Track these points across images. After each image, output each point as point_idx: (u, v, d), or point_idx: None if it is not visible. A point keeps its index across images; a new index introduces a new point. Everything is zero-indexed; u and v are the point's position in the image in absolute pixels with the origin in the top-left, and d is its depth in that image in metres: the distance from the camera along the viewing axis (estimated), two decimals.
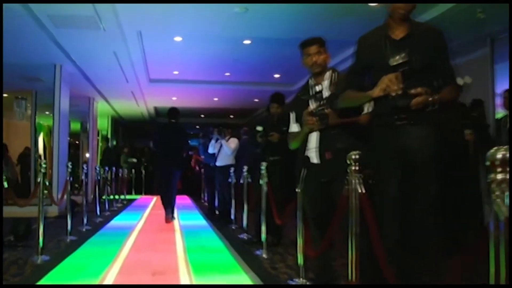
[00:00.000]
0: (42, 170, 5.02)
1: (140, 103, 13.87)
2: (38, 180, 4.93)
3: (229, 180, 7.36)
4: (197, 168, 14.44)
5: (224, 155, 7.94)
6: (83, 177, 8.41)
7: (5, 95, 10.77)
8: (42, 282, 3.72)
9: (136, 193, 15.84)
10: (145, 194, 15.48)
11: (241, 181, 6.56)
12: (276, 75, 11.11)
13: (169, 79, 11.43)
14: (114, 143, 19.47)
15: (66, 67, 9.00)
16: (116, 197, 11.82)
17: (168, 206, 7.93)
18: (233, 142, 7.96)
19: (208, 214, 9.05)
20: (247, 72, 10.69)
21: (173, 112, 8.24)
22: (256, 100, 13.84)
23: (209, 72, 10.73)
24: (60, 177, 8.89)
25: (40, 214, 4.79)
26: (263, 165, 4.98)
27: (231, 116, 18.54)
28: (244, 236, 6.28)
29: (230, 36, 7.75)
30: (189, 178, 15.10)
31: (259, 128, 5.58)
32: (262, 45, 8.41)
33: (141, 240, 6.00)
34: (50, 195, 6.11)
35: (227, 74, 10.91)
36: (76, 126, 16.39)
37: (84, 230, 6.92)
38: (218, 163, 8.03)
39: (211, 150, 8.25)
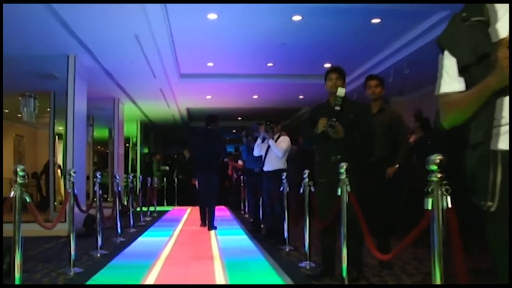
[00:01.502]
0: (72, 179, 4.84)
1: (170, 103, 12.43)
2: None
3: (281, 188, 5.76)
4: (234, 176, 12.89)
5: (273, 158, 6.37)
6: (115, 188, 7.30)
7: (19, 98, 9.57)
8: None
9: (168, 204, 14.44)
10: (178, 205, 14.01)
11: (301, 190, 4.92)
12: (327, 65, 9.47)
13: (202, 73, 9.95)
14: (146, 150, 18.21)
15: (82, 59, 7.59)
16: (145, 209, 10.37)
17: (206, 217, 7.98)
18: (284, 141, 6.38)
19: (252, 230, 7.48)
20: (293, 61, 9.11)
21: (211, 118, 8.17)
22: (301, 96, 12.18)
23: (249, 63, 9.19)
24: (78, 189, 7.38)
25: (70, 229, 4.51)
26: (342, 168, 3.40)
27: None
28: (306, 264, 4.68)
29: (276, 9, 6.22)
30: (226, 187, 13.58)
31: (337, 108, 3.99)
32: (314, 21, 6.86)
33: (166, 277, 4.34)
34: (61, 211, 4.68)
35: (270, 64, 9.34)
36: (103, 133, 15.26)
37: (98, 255, 5.43)
38: (266, 168, 6.47)
39: (256, 152, 6.69)
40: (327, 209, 3.91)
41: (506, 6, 1.48)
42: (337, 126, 3.83)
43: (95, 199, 5.95)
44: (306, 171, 4.77)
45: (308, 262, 4.68)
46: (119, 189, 8.02)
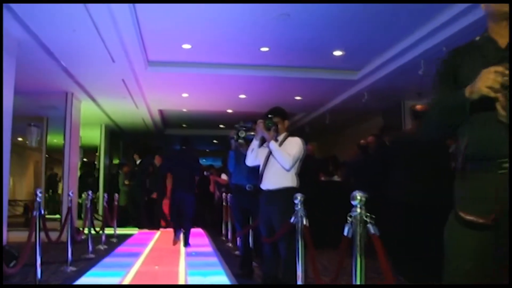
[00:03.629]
0: None
1: (139, 102, 10.16)
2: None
3: (293, 219, 3.52)
4: (217, 193, 10.66)
5: (276, 171, 4.14)
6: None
7: None
8: None
9: (132, 225, 12.02)
10: (145, 227, 11.58)
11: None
12: (337, 52, 7.36)
13: (176, 60, 7.75)
14: (116, 161, 15.83)
15: (6, 25, 5.34)
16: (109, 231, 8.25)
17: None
18: (293, 145, 4.17)
19: (241, 274, 5.23)
20: (295, 45, 6.99)
21: (185, 140, 8.23)
22: (298, 97, 10.00)
23: (237, 45, 7.02)
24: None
25: None
26: None
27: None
28: None
29: None
30: (206, 205, 11.37)
31: None
32: None
33: None
34: None
35: (265, 49, 7.17)
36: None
37: None
38: (265, 185, 4.22)
39: (250, 160, 4.41)
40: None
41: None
42: None
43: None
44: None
45: None
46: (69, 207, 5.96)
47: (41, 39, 6.14)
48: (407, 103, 10.04)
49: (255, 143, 4.38)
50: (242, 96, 9.95)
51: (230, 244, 8.16)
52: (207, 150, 23.15)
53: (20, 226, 9.70)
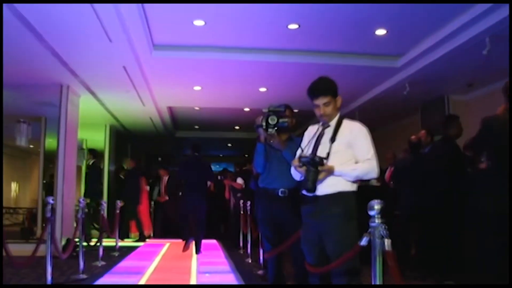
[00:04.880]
0: None
1: (145, 97, 8.94)
2: None
3: (364, 241, 2.29)
4: (232, 199, 9.43)
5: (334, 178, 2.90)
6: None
7: None
8: None
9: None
10: (154, 237, 10.38)
11: None
12: (380, 31, 6.12)
13: (186, 44, 6.55)
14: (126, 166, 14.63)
15: None
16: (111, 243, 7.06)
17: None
18: (364, 136, 3.01)
19: None
20: (329, 21, 5.76)
21: (197, 146, 8.11)
22: None
23: (260, 23, 5.82)
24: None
25: None
26: None
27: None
28: None
29: None
30: (221, 213, 10.17)
31: None
32: None
33: None
34: None
35: (293, 27, 5.94)
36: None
37: None
38: (321, 191, 2.89)
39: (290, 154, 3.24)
40: None
41: None
42: None
43: None
44: None
45: None
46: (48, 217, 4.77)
47: (27, 18, 5.01)
48: (452, 97, 8.79)
49: (311, 131, 3.21)
50: (263, 89, 8.68)
51: (249, 260, 6.92)
52: (220, 155, 21.88)
53: (15, 237, 8.61)
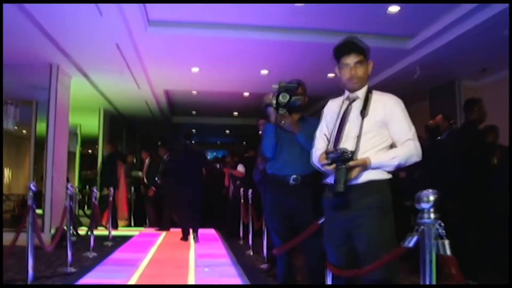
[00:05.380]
0: None
1: (140, 80, 8.48)
2: None
3: (412, 241, 1.85)
4: (231, 187, 9.00)
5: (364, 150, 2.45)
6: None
7: None
8: None
9: (136, 225, 10.46)
10: (150, 226, 9.97)
11: None
12: (393, 8, 5.66)
13: (184, 20, 6.09)
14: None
15: None
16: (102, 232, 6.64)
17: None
18: (401, 110, 2.53)
19: None
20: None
21: (190, 134, 8.18)
22: (331, 75, 8.25)
23: (259, 2, 5.38)
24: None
25: None
26: None
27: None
28: None
29: None
30: (219, 201, 9.75)
31: None
32: None
33: None
34: None
35: (299, 3, 5.49)
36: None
37: None
38: (351, 180, 2.38)
39: (321, 143, 2.71)
40: None
41: None
42: None
43: None
44: None
45: None
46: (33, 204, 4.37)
47: None
48: (464, 83, 8.38)
49: (332, 107, 2.73)
50: (264, 71, 8.22)
51: (251, 252, 6.52)
52: (218, 142, 21.41)
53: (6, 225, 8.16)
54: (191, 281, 4.67)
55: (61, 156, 7.73)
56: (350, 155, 2.29)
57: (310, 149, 2.73)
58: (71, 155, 11.58)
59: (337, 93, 2.78)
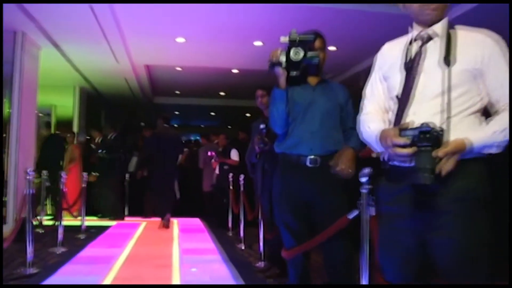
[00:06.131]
0: None
1: (118, 51, 7.57)
2: None
3: None
4: (216, 172, 8.15)
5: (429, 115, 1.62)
6: None
7: None
8: None
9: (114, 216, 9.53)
10: (130, 215, 9.08)
11: None
12: None
13: None
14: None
15: None
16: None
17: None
18: (503, 55, 1.64)
19: None
20: None
21: (168, 118, 7.97)
22: (333, 48, 7.42)
23: None
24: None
25: None
26: None
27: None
28: None
29: None
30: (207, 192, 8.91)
31: None
32: None
33: None
34: None
35: None
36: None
37: None
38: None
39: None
40: None
41: None
42: None
43: None
44: None
45: None
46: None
47: None
48: None
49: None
50: (258, 43, 7.35)
51: (242, 246, 5.74)
52: (201, 126, 20.49)
53: None
54: (176, 278, 3.89)
55: (27, 139, 6.84)
56: (440, 133, 1.49)
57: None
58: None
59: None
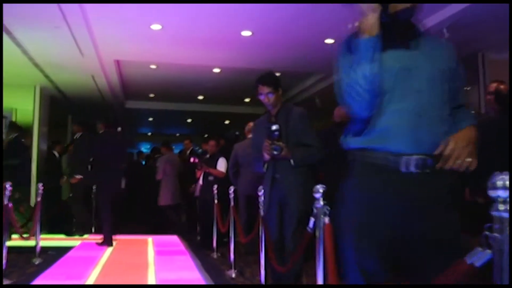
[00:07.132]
0: None
1: (82, 40, 6.43)
2: None
3: None
4: (199, 183, 7.08)
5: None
6: None
7: None
8: None
9: (77, 232, 8.21)
10: (96, 232, 7.88)
11: None
12: None
13: None
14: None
15: None
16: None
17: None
18: None
19: None
20: None
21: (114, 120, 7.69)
22: (330, 41, 6.46)
23: None
24: None
25: None
26: None
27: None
28: None
29: None
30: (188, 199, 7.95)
31: None
32: None
33: None
34: None
35: None
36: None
37: None
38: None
39: None
40: None
41: None
42: None
43: None
44: None
45: None
46: None
47: None
48: (488, 55, 6.88)
49: None
50: (247, 33, 6.34)
51: (233, 274, 4.67)
52: (177, 135, 19.17)
53: None
54: None
55: None
56: None
57: None
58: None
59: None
